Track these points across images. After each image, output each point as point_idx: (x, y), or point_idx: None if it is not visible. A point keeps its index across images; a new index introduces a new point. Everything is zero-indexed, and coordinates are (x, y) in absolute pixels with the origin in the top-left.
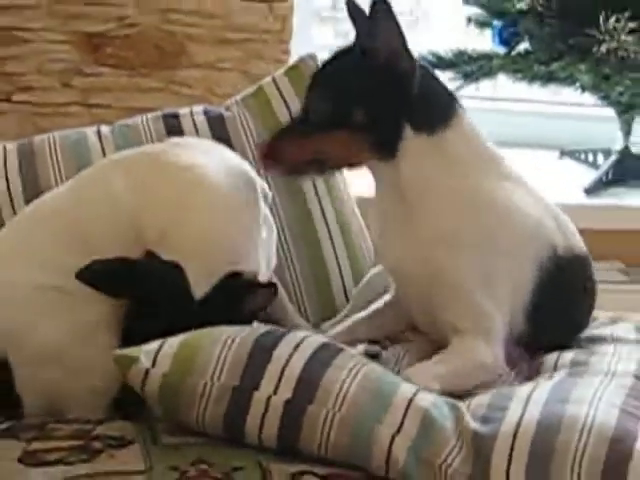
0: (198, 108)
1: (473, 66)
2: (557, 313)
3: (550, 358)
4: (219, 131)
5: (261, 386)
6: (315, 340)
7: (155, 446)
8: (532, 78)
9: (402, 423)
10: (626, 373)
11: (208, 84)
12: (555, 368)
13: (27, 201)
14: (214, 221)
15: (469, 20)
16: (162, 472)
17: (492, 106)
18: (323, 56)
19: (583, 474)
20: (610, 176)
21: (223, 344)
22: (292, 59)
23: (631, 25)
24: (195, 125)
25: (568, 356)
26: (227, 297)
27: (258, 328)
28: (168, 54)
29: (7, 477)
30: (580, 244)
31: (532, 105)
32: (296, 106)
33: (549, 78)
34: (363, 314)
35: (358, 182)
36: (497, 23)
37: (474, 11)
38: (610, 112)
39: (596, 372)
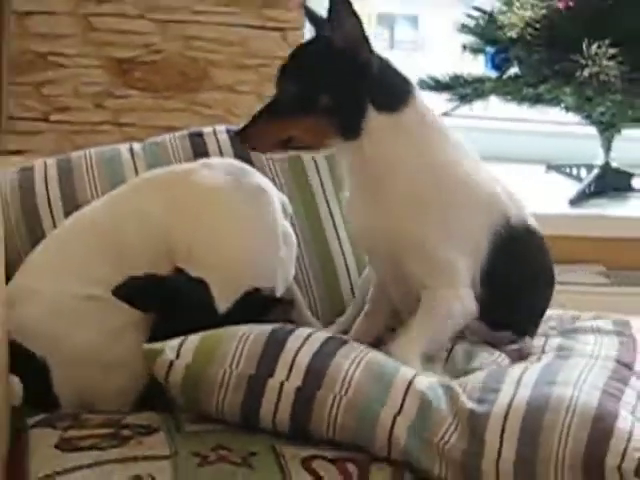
0: (221, 127)
1: (468, 89)
2: (511, 282)
3: (537, 345)
4: (240, 149)
5: (275, 373)
6: (321, 334)
7: (179, 433)
8: (521, 99)
9: (402, 405)
10: (608, 357)
11: (227, 105)
12: (543, 352)
13: (66, 212)
14: (236, 240)
15: (464, 47)
16: (185, 457)
17: (484, 125)
18: None
19: (568, 450)
20: (592, 188)
21: (240, 338)
22: None
23: (611, 51)
24: (218, 143)
25: (555, 342)
26: (247, 312)
27: (271, 325)
28: (191, 78)
29: (45, 461)
30: (531, 219)
31: (521, 124)
32: None
33: (537, 99)
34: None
35: None
36: (489, 50)
37: (469, 39)
38: (592, 130)
39: (581, 355)
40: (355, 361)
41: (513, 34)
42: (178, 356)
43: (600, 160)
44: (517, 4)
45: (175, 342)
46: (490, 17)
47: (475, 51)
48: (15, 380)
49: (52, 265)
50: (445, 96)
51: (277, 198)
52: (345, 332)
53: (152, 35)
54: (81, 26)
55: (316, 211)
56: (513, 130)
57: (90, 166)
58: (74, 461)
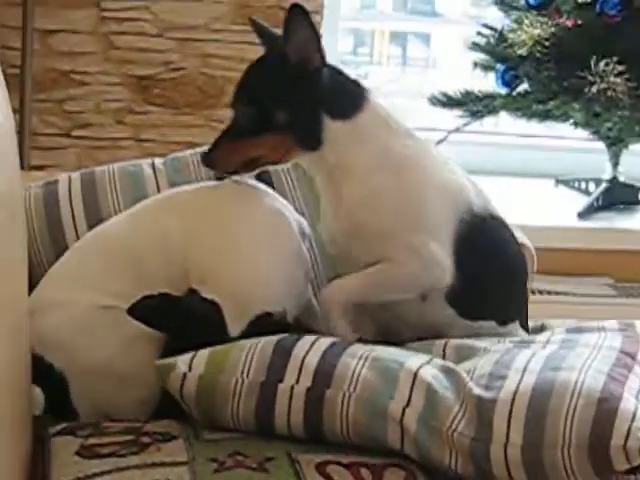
0: None
1: (478, 105)
2: (480, 269)
3: (541, 339)
4: None
5: (285, 379)
6: (327, 339)
7: (197, 441)
8: (531, 115)
9: (410, 396)
10: (612, 348)
11: None
12: (548, 342)
13: (89, 225)
14: (251, 265)
15: (475, 64)
16: (203, 463)
17: (495, 140)
18: None
19: (574, 432)
20: (600, 202)
21: (248, 349)
22: None
23: (619, 68)
24: None
25: (559, 337)
26: (258, 335)
27: (277, 336)
28: (209, 95)
29: (66, 467)
30: (495, 208)
31: (530, 139)
32: None
33: (546, 115)
34: None
35: None
36: (500, 67)
37: (479, 56)
38: (600, 145)
39: (585, 346)
40: (362, 359)
41: (523, 52)
42: (190, 369)
43: (608, 174)
44: (526, 22)
45: (187, 356)
46: (500, 35)
47: (486, 68)
48: (37, 390)
49: (71, 277)
50: (456, 112)
51: (294, 220)
52: None
53: (171, 53)
54: (102, 44)
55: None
56: (523, 145)
57: (113, 181)
58: (95, 467)
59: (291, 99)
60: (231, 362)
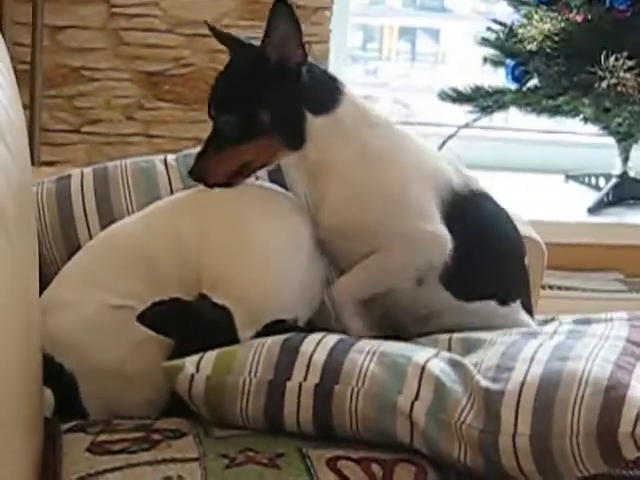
0: None
1: (488, 100)
2: (470, 246)
3: (549, 330)
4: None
5: (293, 376)
6: (334, 336)
7: (207, 437)
8: (541, 111)
9: (418, 390)
10: (619, 337)
11: None
12: (555, 332)
13: (101, 221)
14: (264, 270)
15: (485, 60)
16: (213, 459)
17: (505, 135)
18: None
19: (582, 420)
20: (610, 197)
21: (255, 348)
22: None
23: (629, 63)
24: None
25: (566, 327)
26: None
27: (283, 335)
28: None
29: (77, 464)
30: (478, 183)
31: (540, 135)
32: None
33: (555, 111)
34: None
35: None
36: (510, 62)
37: (489, 52)
38: (610, 140)
39: (592, 336)
40: (369, 354)
41: (532, 47)
42: (198, 370)
43: (618, 170)
44: (536, 17)
45: (194, 358)
46: (510, 30)
47: (495, 64)
48: (47, 392)
49: (83, 277)
50: (466, 108)
51: (307, 222)
52: None
53: (181, 49)
54: (112, 40)
55: None
56: (533, 141)
57: (125, 176)
58: (105, 464)
59: (274, 99)
60: (238, 362)
